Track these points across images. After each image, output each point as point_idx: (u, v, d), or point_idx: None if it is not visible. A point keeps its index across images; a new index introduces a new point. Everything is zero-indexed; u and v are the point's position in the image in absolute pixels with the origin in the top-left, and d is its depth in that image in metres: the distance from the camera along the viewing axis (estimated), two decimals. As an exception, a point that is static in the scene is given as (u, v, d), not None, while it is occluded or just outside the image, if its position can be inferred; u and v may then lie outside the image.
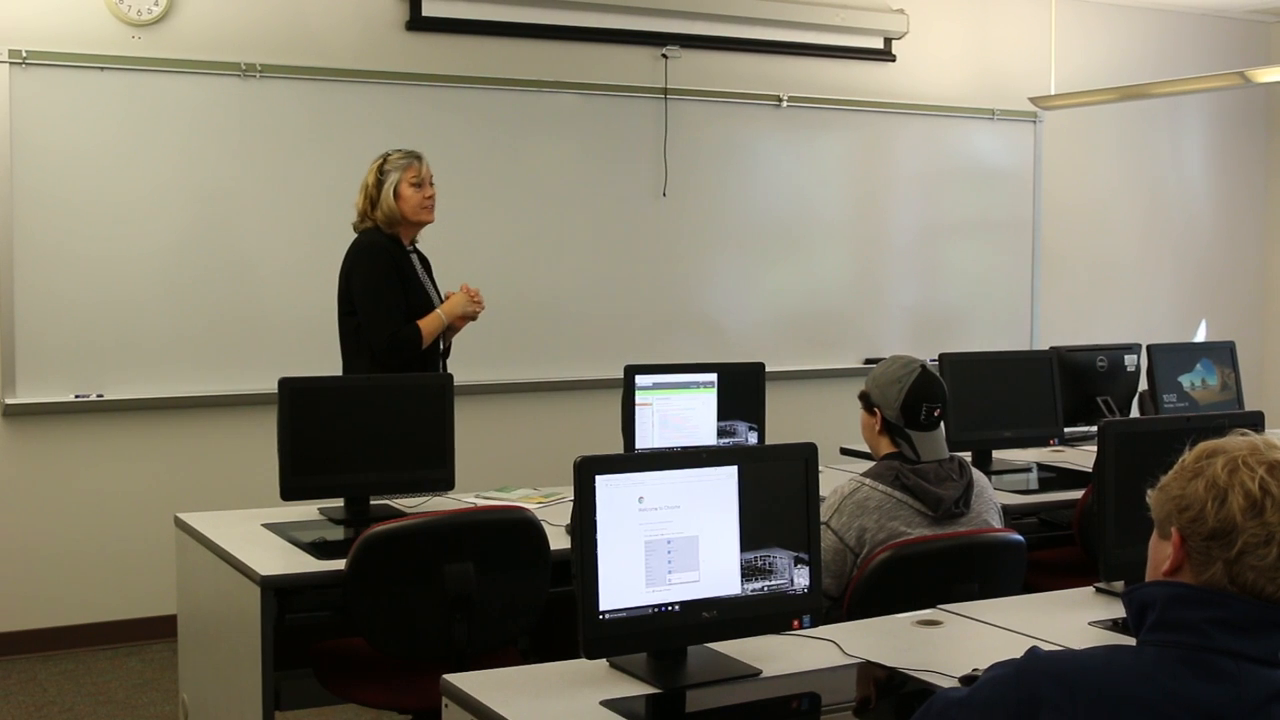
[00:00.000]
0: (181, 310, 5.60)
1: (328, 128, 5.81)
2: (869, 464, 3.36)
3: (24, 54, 5.31)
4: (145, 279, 5.54)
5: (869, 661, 2.51)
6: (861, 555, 3.12)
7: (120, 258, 5.50)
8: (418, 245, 4.60)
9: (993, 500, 3.34)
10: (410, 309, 4.42)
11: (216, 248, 5.67)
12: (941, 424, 3.29)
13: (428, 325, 4.42)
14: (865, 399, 3.32)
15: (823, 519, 3.12)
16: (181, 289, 5.60)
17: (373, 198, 4.45)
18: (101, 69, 5.44)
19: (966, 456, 3.38)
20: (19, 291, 5.34)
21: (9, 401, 5.35)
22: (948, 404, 3.31)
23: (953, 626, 2.77)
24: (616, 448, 4.27)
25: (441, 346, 4.58)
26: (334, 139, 5.78)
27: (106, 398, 5.48)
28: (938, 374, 3.31)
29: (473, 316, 4.56)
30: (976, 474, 3.31)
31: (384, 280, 4.40)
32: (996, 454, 4.77)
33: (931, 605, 2.90)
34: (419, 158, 4.50)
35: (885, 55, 7.14)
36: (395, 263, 4.42)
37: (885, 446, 3.28)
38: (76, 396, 5.43)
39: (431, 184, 4.50)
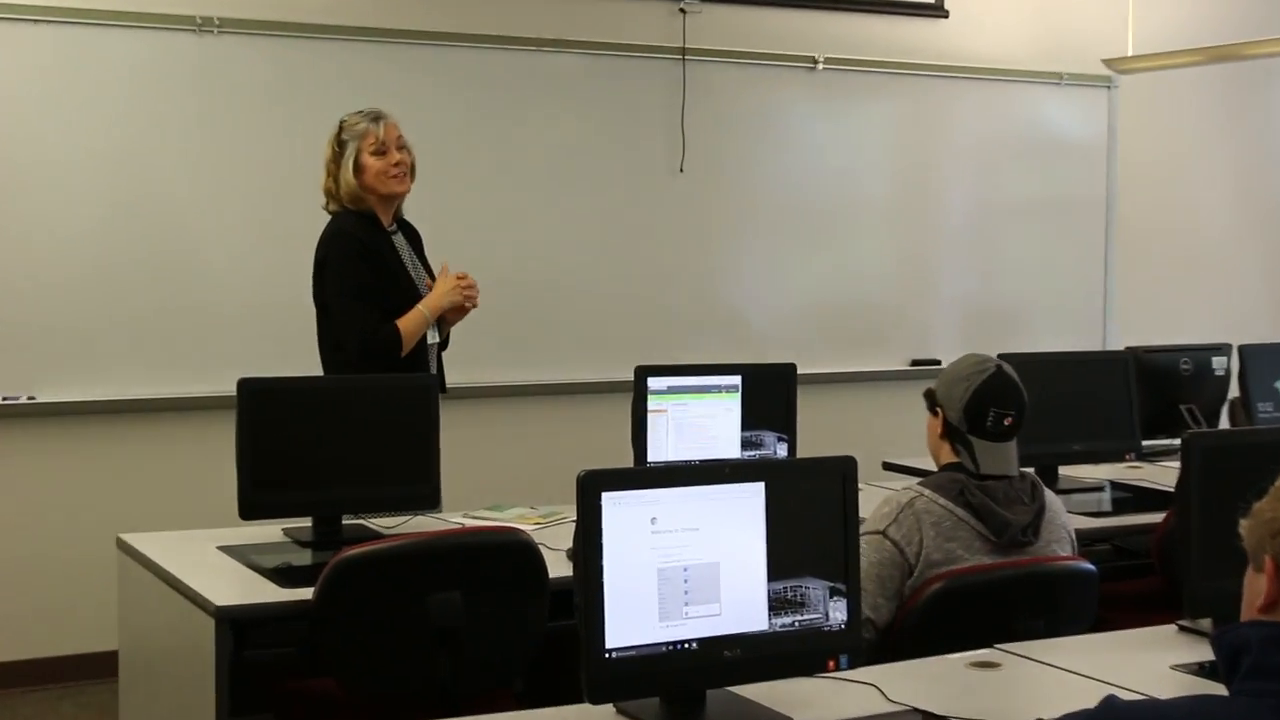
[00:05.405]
0: (126, 300, 5.61)
1: (295, 91, 5.81)
2: (914, 481, 3.36)
3: (-56, 5, 5.32)
4: (84, 264, 5.55)
5: (915, 709, 2.51)
6: (915, 574, 3.11)
7: (54, 240, 5.51)
8: (404, 217, 4.57)
9: (1066, 528, 3.34)
10: (393, 303, 4.39)
11: (167, 229, 5.68)
12: (1014, 438, 3.27)
13: (408, 325, 4.37)
14: (929, 397, 3.34)
15: (879, 528, 3.15)
16: (126, 276, 5.60)
17: (334, 175, 4.43)
18: (34, 22, 5.44)
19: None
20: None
21: (-73, 404, 5.37)
22: (1025, 414, 3.29)
23: (1013, 669, 2.78)
24: (626, 461, 4.27)
25: (434, 339, 4.53)
26: (302, 104, 5.75)
27: (38, 400, 5.49)
28: (1016, 378, 3.30)
29: (465, 307, 4.54)
30: (1050, 497, 3.30)
31: (354, 275, 4.36)
32: (1064, 470, 4.76)
33: (988, 644, 2.89)
34: (378, 118, 4.43)
35: (937, 11, 7.14)
36: (370, 250, 4.40)
37: (946, 454, 3.29)
38: (4, 399, 5.44)
39: (401, 147, 4.44)
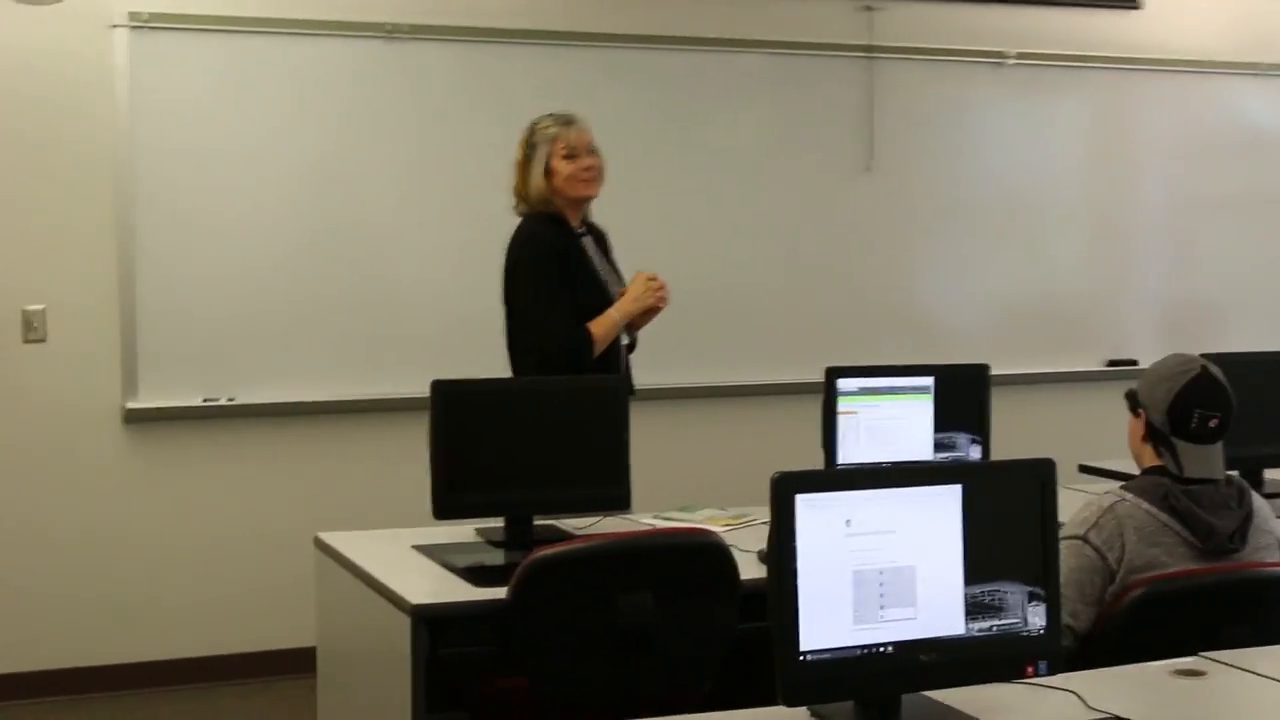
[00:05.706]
0: (322, 305, 5.75)
1: (482, 95, 5.90)
2: (1113, 484, 3.31)
3: (145, 16, 5.46)
4: (282, 270, 5.70)
5: (1117, 718, 2.47)
6: (1117, 580, 3.07)
7: (250, 246, 5.67)
8: (591, 220, 4.62)
9: (1275, 534, 3.25)
10: (583, 305, 4.45)
11: (359, 234, 5.81)
12: (1220, 440, 3.19)
13: (599, 328, 4.42)
14: (1132, 398, 3.28)
15: (1079, 533, 3.11)
16: (322, 281, 5.75)
17: (523, 178, 4.50)
18: (228, 32, 5.60)
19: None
20: (141, 284, 5.53)
21: (130, 406, 5.55)
22: (1231, 416, 3.21)
23: (1219, 678, 2.72)
24: (815, 462, 4.26)
25: (625, 340, 4.58)
26: (490, 108, 5.83)
27: (238, 402, 5.65)
28: (1222, 379, 3.23)
29: (656, 309, 4.57)
30: (1258, 501, 3.22)
31: (545, 278, 4.42)
32: (1270, 474, 4.64)
33: (1192, 652, 2.84)
34: (570, 122, 4.49)
35: (1130, 2, 7.00)
36: (559, 253, 4.45)
37: (1149, 457, 3.23)
38: (205, 401, 5.61)
39: (592, 151, 4.49)
